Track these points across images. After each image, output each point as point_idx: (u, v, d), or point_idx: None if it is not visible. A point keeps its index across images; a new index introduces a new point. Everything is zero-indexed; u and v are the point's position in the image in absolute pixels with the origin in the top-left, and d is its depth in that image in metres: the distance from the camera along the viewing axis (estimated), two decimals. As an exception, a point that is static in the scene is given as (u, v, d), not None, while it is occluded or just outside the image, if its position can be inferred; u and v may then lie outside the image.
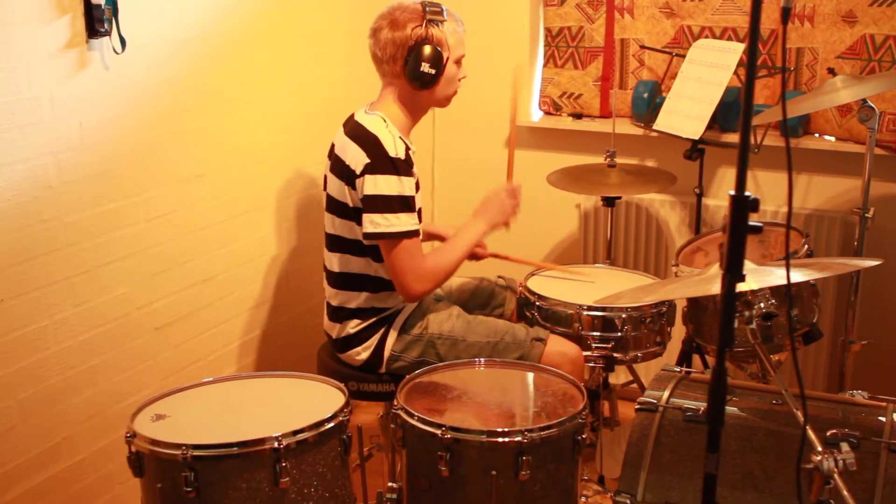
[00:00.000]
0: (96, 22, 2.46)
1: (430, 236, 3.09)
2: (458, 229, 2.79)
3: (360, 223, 2.61)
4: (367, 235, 2.58)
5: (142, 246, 2.75)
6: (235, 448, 2.00)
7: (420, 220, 2.78)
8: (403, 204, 2.56)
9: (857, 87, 2.75)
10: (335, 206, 2.68)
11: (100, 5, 2.45)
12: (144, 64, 2.66)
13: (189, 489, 1.98)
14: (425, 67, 2.58)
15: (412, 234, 2.58)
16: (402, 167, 2.57)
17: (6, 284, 2.38)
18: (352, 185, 2.60)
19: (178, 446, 1.99)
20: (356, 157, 2.58)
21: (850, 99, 2.79)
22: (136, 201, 2.71)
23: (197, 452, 1.98)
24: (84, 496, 2.68)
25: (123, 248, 2.69)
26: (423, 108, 2.75)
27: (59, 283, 2.51)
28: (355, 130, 2.64)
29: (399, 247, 2.57)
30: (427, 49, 2.58)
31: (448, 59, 2.63)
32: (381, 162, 2.55)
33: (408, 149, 2.63)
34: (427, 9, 2.60)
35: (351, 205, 2.63)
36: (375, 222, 2.54)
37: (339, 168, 2.64)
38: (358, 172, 2.57)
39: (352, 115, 2.73)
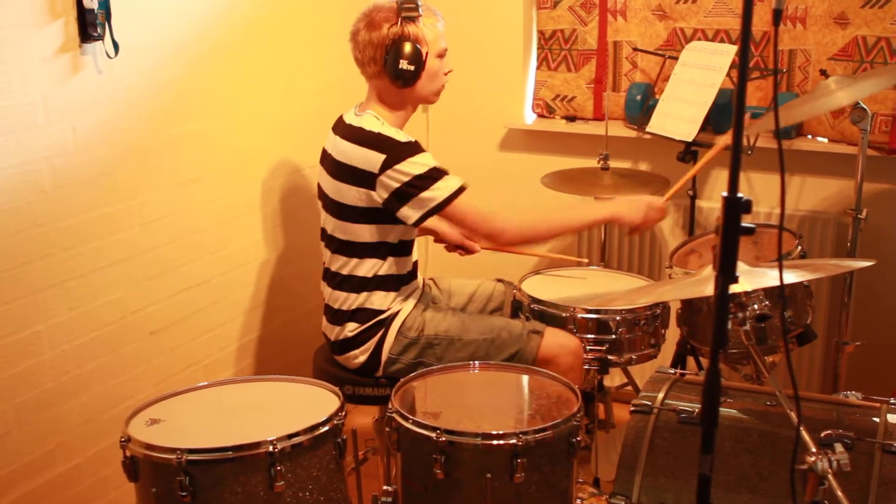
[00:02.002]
0: (89, 26, 2.46)
1: (423, 231, 3.08)
2: (582, 205, 2.76)
3: (389, 221, 2.63)
4: (423, 217, 2.58)
5: (136, 250, 2.75)
6: (230, 452, 2.00)
7: None
8: (437, 171, 2.58)
9: (852, 87, 2.75)
10: (335, 209, 2.68)
11: (93, 10, 2.45)
12: (138, 68, 2.66)
13: (184, 493, 1.98)
14: (404, 65, 2.60)
15: (463, 189, 2.60)
16: (414, 147, 2.59)
17: (0, 289, 2.38)
18: (371, 187, 2.59)
19: (173, 451, 1.99)
20: (368, 159, 2.57)
21: (846, 102, 2.79)
22: (131, 205, 2.71)
23: (192, 457, 1.98)
24: (79, 501, 2.68)
25: (118, 253, 2.69)
26: (410, 107, 2.76)
27: (54, 288, 2.51)
28: (354, 133, 2.64)
29: (460, 205, 2.59)
30: (405, 46, 2.59)
31: (427, 54, 2.64)
32: (396, 151, 2.56)
33: None
34: (402, 6, 2.61)
35: (366, 205, 2.63)
36: (424, 201, 2.55)
37: (345, 173, 2.63)
38: (377, 171, 2.56)
39: (340, 118, 2.73)
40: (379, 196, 2.59)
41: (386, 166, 2.55)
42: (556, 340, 2.70)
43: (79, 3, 2.44)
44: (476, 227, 2.65)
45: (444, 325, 2.74)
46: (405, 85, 2.64)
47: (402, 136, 2.60)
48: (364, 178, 2.60)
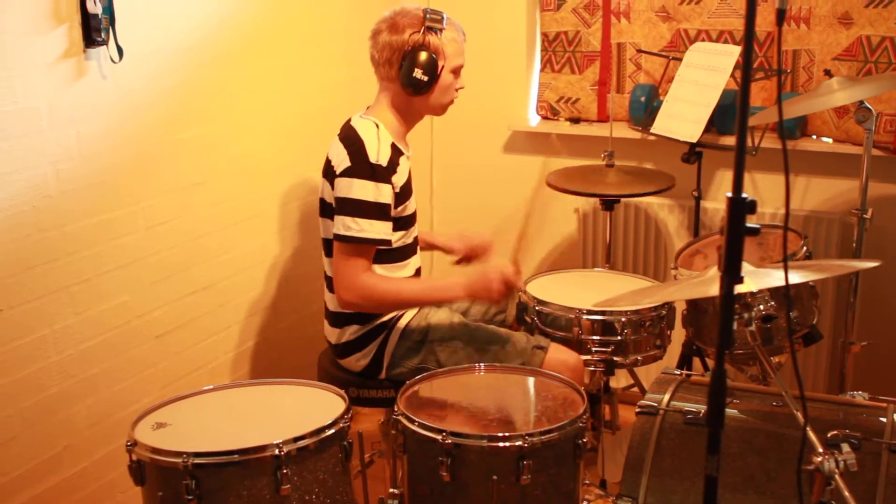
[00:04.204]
0: (93, 31, 2.46)
1: (428, 245, 3.08)
2: (440, 281, 2.74)
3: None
4: (338, 237, 2.58)
5: (141, 254, 2.75)
6: (236, 455, 2.00)
7: (415, 223, 2.78)
8: (379, 211, 2.57)
9: (853, 89, 2.75)
10: (328, 211, 2.69)
11: (97, 14, 2.45)
12: (142, 73, 2.66)
13: (190, 497, 1.98)
14: (418, 74, 2.60)
15: (381, 242, 2.59)
16: (381, 174, 2.57)
17: (6, 294, 2.38)
18: (332, 184, 2.62)
19: (179, 454, 1.99)
20: (339, 157, 2.61)
21: (846, 101, 2.79)
22: (135, 210, 2.72)
23: (198, 460, 1.98)
24: (86, 505, 2.68)
25: (123, 257, 2.69)
26: (416, 115, 2.76)
27: (59, 293, 2.51)
28: (346, 132, 2.67)
29: (358, 250, 2.58)
30: (422, 55, 2.59)
31: (443, 67, 2.64)
32: (360, 166, 2.56)
33: (397, 155, 2.64)
34: (428, 16, 2.61)
35: (329, 202, 2.66)
36: (348, 226, 2.55)
37: (325, 168, 2.68)
38: (337, 172, 2.59)
39: (348, 120, 2.73)
40: (333, 193, 2.61)
41: (345, 172, 2.57)
42: (557, 356, 2.69)
43: (82, 8, 2.44)
44: (337, 278, 2.62)
45: (450, 332, 2.74)
46: (415, 93, 2.64)
47: (380, 154, 2.58)
48: (330, 174, 2.63)
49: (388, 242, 2.61)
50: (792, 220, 3.43)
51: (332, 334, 2.78)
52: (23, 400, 2.46)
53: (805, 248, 2.74)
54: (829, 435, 1.94)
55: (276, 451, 2.00)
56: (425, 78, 2.61)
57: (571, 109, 3.86)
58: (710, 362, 3.10)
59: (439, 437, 2.08)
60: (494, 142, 4.01)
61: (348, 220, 2.55)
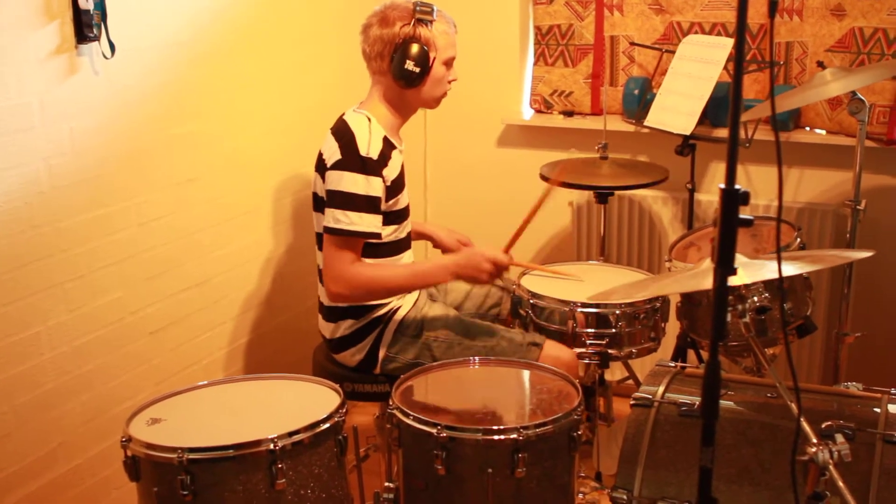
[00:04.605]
0: (85, 27, 2.45)
1: (420, 235, 3.09)
2: (426, 263, 2.75)
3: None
4: (328, 230, 2.58)
5: (135, 250, 2.75)
6: (231, 450, 2.00)
7: (408, 217, 2.78)
8: (369, 204, 2.57)
9: (847, 79, 2.76)
10: (321, 205, 2.69)
11: (88, 10, 2.45)
12: (134, 68, 2.66)
13: (185, 492, 1.98)
14: (410, 66, 2.59)
15: (371, 235, 2.59)
16: (371, 167, 2.57)
17: (-1, 291, 2.38)
18: (323, 178, 2.62)
19: (174, 450, 1.98)
20: (330, 150, 2.61)
21: (840, 92, 2.79)
22: (129, 206, 2.71)
23: (193, 455, 1.98)
24: (81, 501, 2.68)
25: (116, 253, 2.69)
26: (410, 108, 2.76)
27: (53, 289, 2.51)
28: (338, 126, 2.67)
29: (343, 243, 2.57)
30: (414, 48, 2.59)
31: (435, 59, 2.64)
32: (350, 159, 2.56)
33: (389, 148, 2.64)
34: (418, 8, 2.61)
35: (321, 197, 2.66)
36: (338, 219, 2.55)
37: (318, 162, 2.68)
38: (328, 165, 2.60)
39: (341, 115, 2.73)
40: (324, 186, 2.61)
41: (336, 165, 2.57)
42: (553, 353, 2.69)
43: (74, 4, 2.43)
44: (326, 270, 2.62)
45: (445, 328, 2.74)
46: (408, 85, 2.64)
47: (370, 147, 2.58)
48: (322, 167, 2.63)
49: (378, 235, 2.61)
50: (785, 211, 3.44)
51: (327, 329, 2.78)
52: (17, 397, 2.45)
53: (799, 240, 2.74)
54: (823, 426, 1.94)
55: (271, 446, 2.00)
56: (417, 70, 2.61)
57: (565, 103, 3.86)
58: (705, 354, 3.11)
59: (434, 431, 2.08)
60: (488, 135, 4.01)
61: (338, 212, 2.55)
